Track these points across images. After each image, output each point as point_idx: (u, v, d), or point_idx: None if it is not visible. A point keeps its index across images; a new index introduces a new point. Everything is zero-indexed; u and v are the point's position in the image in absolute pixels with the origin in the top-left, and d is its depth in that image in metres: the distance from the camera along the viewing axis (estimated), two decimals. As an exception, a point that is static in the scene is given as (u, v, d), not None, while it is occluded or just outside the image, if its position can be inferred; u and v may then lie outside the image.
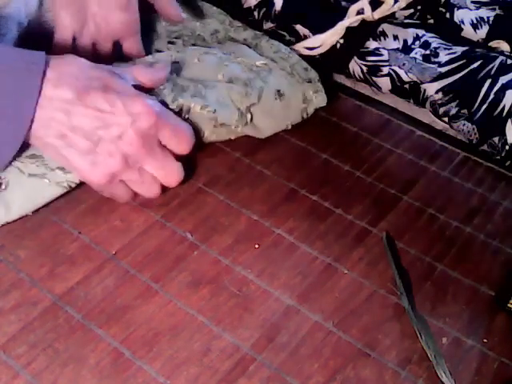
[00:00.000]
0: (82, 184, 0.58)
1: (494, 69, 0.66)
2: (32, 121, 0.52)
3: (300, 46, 0.75)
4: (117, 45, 0.68)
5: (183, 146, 0.57)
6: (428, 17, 0.74)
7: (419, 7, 0.74)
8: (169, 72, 0.62)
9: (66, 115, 0.52)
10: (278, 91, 0.67)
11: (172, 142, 0.57)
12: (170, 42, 0.73)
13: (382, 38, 0.72)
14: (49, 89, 0.51)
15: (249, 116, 0.65)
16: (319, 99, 0.69)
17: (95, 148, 0.53)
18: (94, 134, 0.53)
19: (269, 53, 0.72)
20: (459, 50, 0.68)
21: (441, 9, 0.73)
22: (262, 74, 0.67)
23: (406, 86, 0.71)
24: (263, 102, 0.65)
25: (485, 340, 0.51)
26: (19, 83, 0.51)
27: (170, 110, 0.59)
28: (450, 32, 0.72)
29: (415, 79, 0.70)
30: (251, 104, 0.65)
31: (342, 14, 0.74)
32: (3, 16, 0.64)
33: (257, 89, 0.65)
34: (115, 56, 0.68)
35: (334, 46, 0.74)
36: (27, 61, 0.51)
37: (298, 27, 0.76)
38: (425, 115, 0.72)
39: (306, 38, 0.75)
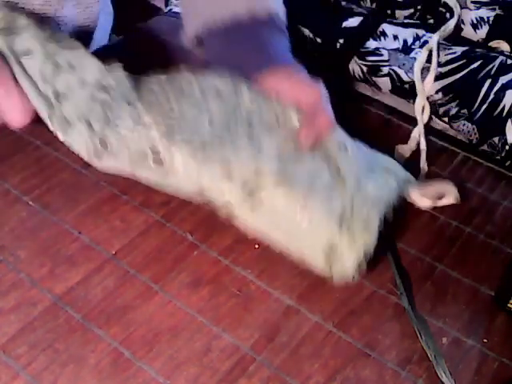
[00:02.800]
0: (81, 184, 0.58)
1: (494, 69, 0.66)
2: None
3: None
4: None
5: None
6: (428, 17, 0.74)
7: (419, 7, 0.74)
8: None
9: None
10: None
11: None
12: None
13: (381, 38, 0.72)
14: None
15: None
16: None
17: None
18: None
19: None
20: (459, 50, 0.68)
21: (441, 9, 0.73)
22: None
23: (406, 86, 0.70)
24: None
25: (485, 340, 0.51)
26: None
27: None
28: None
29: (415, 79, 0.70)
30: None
31: (341, 14, 0.74)
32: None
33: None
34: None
35: (334, 46, 0.74)
36: None
37: (298, 27, 0.76)
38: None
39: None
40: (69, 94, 0.55)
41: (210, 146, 0.52)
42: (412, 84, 0.70)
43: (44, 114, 0.57)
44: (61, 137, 0.55)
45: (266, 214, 0.51)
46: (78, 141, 0.55)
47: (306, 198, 0.50)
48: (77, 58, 0.57)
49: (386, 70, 0.71)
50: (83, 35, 0.66)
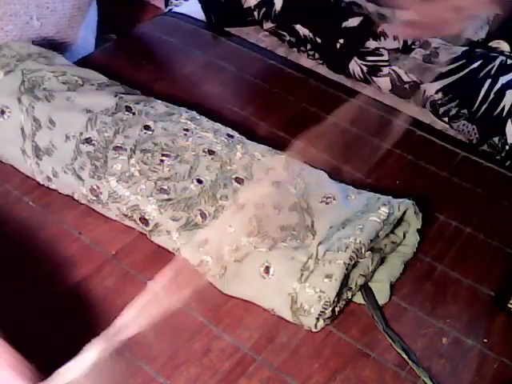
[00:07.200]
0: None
1: (494, 69, 0.66)
2: None
3: None
4: None
5: None
6: (428, 17, 0.74)
7: (419, 7, 0.74)
8: None
9: None
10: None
11: None
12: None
13: (381, 38, 0.72)
14: None
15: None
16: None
17: None
18: None
19: None
20: (459, 50, 0.68)
21: (441, 9, 0.73)
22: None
23: (406, 86, 0.71)
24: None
25: (485, 340, 0.51)
26: None
27: None
28: (450, 32, 0.72)
29: (415, 79, 0.70)
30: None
31: (341, 14, 0.74)
32: None
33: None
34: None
35: (334, 46, 0.74)
36: None
37: (298, 27, 0.76)
38: (425, 115, 0.72)
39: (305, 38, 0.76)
40: (51, 149, 0.57)
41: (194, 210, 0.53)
42: (412, 84, 0.70)
43: (29, 172, 0.59)
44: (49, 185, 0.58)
45: (235, 279, 0.52)
46: (65, 189, 0.58)
47: (270, 253, 0.50)
48: (56, 111, 0.58)
49: (386, 70, 0.71)
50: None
